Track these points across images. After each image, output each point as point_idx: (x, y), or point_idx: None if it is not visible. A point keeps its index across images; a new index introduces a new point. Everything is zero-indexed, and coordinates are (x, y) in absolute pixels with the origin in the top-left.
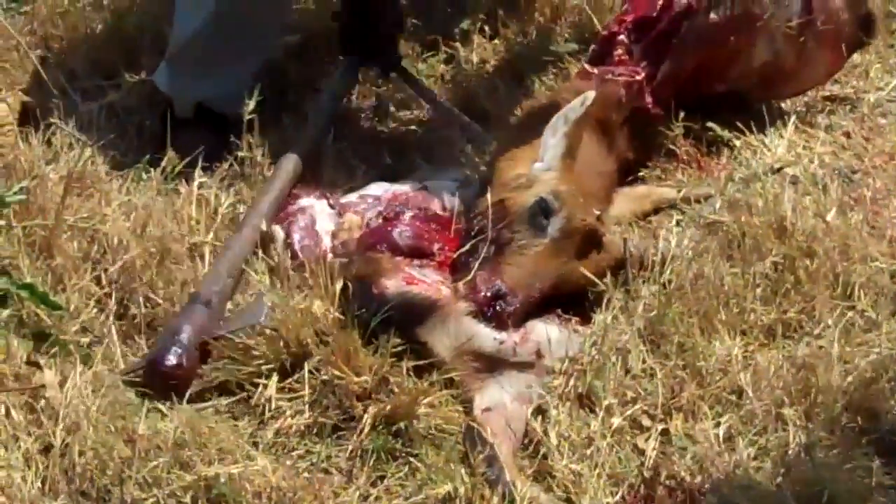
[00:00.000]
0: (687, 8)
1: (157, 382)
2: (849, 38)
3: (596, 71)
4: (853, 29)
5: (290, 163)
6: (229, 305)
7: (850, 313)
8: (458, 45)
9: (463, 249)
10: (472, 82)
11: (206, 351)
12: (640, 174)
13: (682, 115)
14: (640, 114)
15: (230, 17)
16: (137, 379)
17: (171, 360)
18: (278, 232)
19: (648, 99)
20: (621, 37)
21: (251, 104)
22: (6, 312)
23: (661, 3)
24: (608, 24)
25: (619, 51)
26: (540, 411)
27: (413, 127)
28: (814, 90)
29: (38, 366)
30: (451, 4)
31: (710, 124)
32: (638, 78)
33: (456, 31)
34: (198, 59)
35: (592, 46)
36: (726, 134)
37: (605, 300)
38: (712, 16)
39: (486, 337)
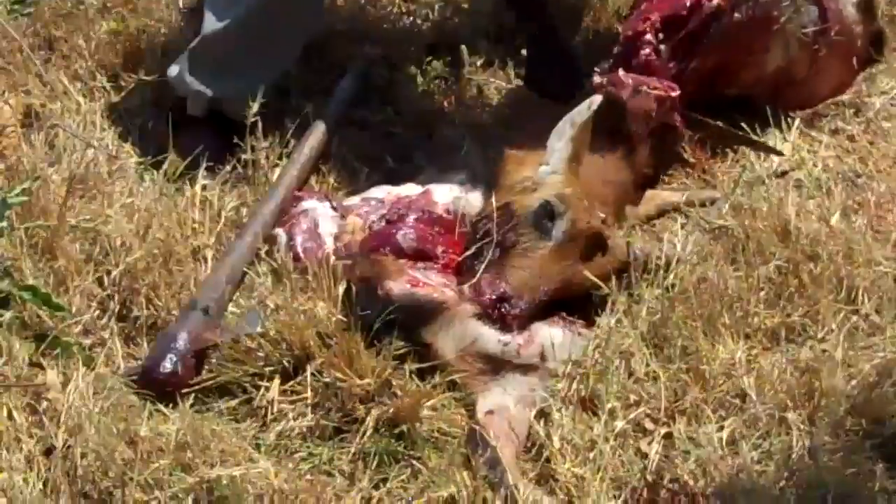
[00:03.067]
0: (717, 8)
1: (153, 389)
2: (860, 53)
3: (630, 81)
4: (864, 43)
5: (294, 168)
6: (231, 307)
7: (853, 317)
8: (463, 47)
9: (468, 252)
10: (477, 85)
11: (202, 358)
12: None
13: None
14: (664, 129)
15: (258, 22)
16: (134, 384)
17: (167, 367)
18: (281, 234)
19: (677, 116)
20: (648, 36)
21: (255, 107)
22: (8, 314)
23: (689, 2)
24: (632, 23)
25: (647, 51)
26: (543, 414)
27: (416, 130)
28: None
29: (40, 367)
30: (455, 7)
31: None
32: (673, 94)
33: (461, 33)
34: (220, 57)
35: (616, 48)
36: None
37: (608, 303)
38: (736, 15)
39: (491, 338)
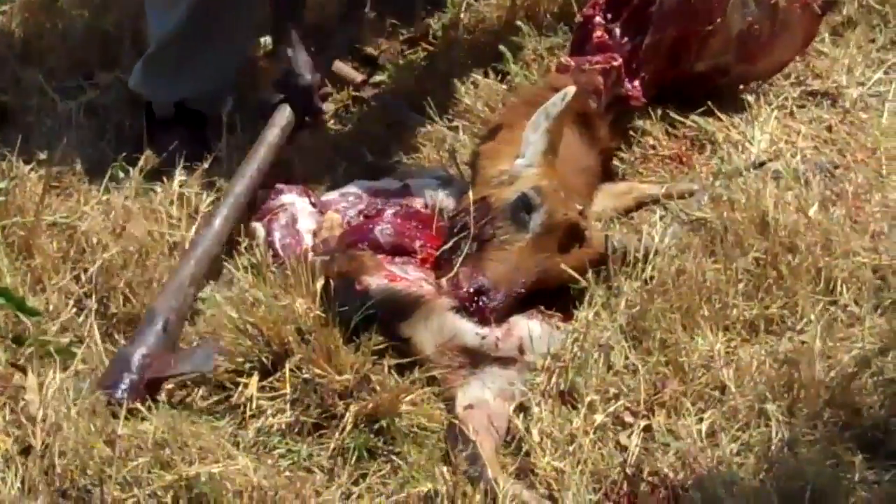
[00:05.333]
0: None
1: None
2: None
3: (572, 63)
4: None
5: (256, 160)
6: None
7: (832, 308)
8: (438, 41)
9: (446, 246)
10: (452, 79)
11: (156, 383)
12: (622, 170)
13: (661, 111)
14: (620, 102)
15: (204, 17)
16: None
17: (120, 393)
18: (259, 230)
19: (628, 85)
20: (598, 18)
21: (229, 103)
22: None
23: None
24: (583, 10)
25: (598, 32)
26: (522, 408)
27: (394, 124)
28: (796, 85)
29: (20, 369)
30: (430, 1)
31: (693, 118)
32: (615, 63)
33: (436, 27)
34: (175, 59)
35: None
36: (710, 127)
37: (587, 296)
38: None
39: (469, 332)
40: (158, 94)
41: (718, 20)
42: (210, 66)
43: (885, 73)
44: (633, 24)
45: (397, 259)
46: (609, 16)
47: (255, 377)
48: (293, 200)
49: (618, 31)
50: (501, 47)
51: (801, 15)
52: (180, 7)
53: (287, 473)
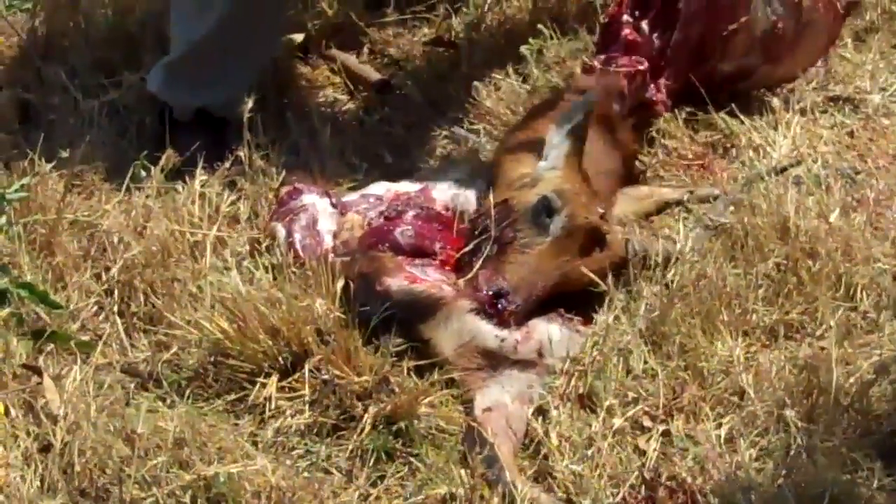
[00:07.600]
0: None
1: None
2: None
3: (598, 63)
4: None
5: None
6: None
7: (852, 314)
8: (460, 43)
9: (466, 248)
10: (474, 80)
11: None
12: (644, 174)
13: (684, 115)
14: (644, 108)
15: (233, 26)
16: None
17: None
18: (280, 230)
19: (652, 90)
20: (625, 16)
21: (250, 103)
22: (5, 311)
23: None
24: (609, 9)
25: (627, 30)
26: (541, 411)
27: (415, 126)
28: (818, 90)
29: (37, 371)
30: (452, 1)
31: (715, 122)
32: (641, 68)
33: (458, 28)
34: (199, 67)
35: (596, 36)
36: (732, 131)
37: (607, 300)
38: None
39: (488, 334)
40: (179, 100)
41: (743, 18)
42: (233, 74)
43: None
44: (664, 17)
45: (417, 261)
46: (637, 13)
47: (274, 377)
48: (314, 201)
49: (646, 28)
50: (523, 49)
51: (825, 14)
52: (210, 17)
53: (305, 474)
